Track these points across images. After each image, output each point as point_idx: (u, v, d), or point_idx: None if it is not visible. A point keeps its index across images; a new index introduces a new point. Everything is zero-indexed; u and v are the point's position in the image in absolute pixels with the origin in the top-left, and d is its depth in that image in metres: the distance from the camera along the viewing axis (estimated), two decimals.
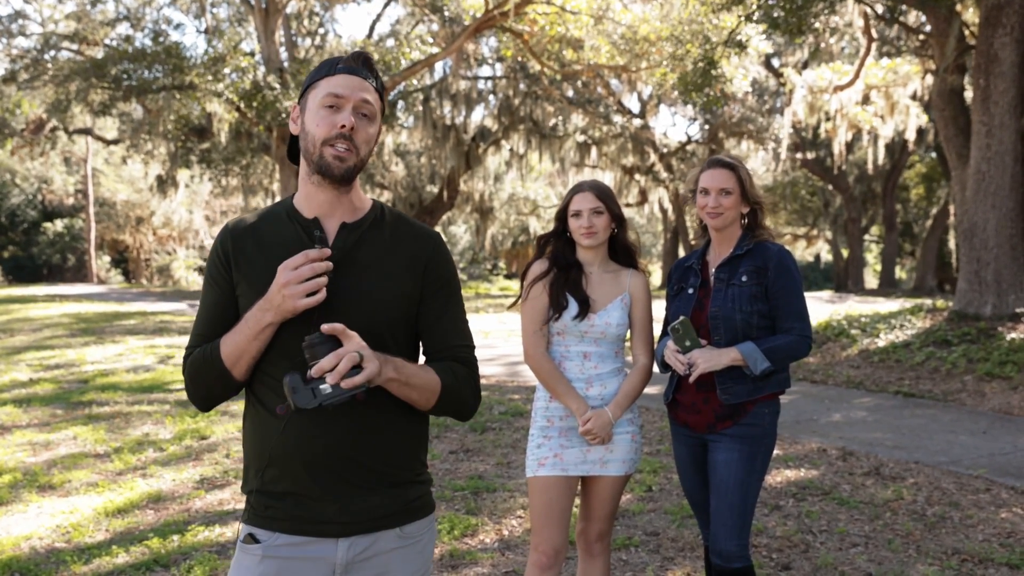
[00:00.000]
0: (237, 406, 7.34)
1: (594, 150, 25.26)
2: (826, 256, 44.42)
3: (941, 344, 9.84)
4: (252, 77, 17.84)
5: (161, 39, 18.33)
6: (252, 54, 19.88)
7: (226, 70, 17.77)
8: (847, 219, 29.59)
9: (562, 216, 3.06)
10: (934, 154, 27.85)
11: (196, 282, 34.65)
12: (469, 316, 1.93)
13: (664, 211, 30.75)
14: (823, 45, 21.50)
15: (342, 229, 1.78)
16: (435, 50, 19.33)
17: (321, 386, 1.56)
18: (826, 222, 33.41)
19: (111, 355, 11.32)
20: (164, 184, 24.84)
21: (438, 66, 23.07)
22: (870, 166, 24.82)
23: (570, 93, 24.03)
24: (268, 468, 1.74)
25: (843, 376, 9.48)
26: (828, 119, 19.16)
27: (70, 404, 7.92)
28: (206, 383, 1.77)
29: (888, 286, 28.22)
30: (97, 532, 4.47)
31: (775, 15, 11.51)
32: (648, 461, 5.71)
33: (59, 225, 35.84)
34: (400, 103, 21.35)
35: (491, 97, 25.01)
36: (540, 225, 33.95)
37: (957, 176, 11.81)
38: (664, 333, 3.06)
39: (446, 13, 19.84)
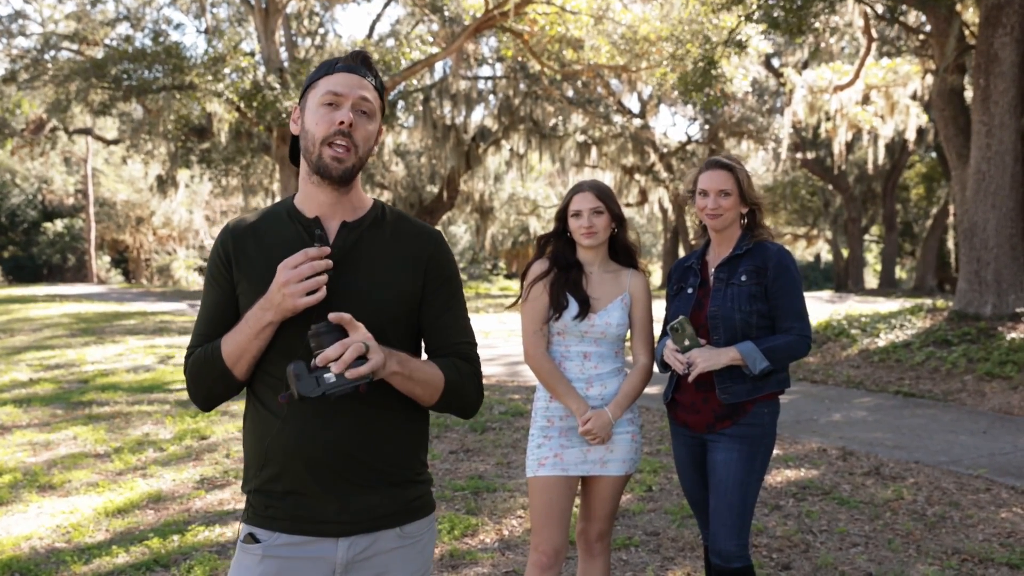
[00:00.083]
0: (237, 406, 7.34)
1: (594, 150, 25.26)
2: (826, 256, 44.43)
3: (941, 344, 9.84)
4: (252, 77, 17.84)
5: (161, 39, 18.33)
6: (252, 54, 19.88)
7: (226, 70, 17.77)
8: (847, 219, 29.59)
9: (562, 216, 3.06)
10: (934, 154, 27.86)
11: (196, 282, 34.65)
12: (469, 316, 1.94)
13: (664, 211, 30.75)
14: (823, 45, 21.50)
15: (342, 228, 1.78)
16: (435, 50, 19.33)
17: (326, 375, 1.55)
18: (826, 222, 33.41)
19: (111, 355, 11.33)
20: (164, 184, 24.84)
21: (438, 66, 23.09)
22: (870, 166, 24.81)
23: (570, 93, 24.03)
24: (268, 466, 1.74)
25: (843, 376, 9.48)
26: (828, 119, 19.15)
27: (70, 404, 7.92)
28: (207, 383, 1.78)
29: (888, 286, 28.22)
30: (97, 532, 4.47)
31: (775, 15, 11.51)
32: (648, 461, 5.71)
33: (59, 225, 35.85)
34: (400, 103, 21.35)
35: (491, 97, 25.02)
36: (540, 225, 33.94)
37: (957, 176, 11.81)
38: (664, 333, 3.06)
39: (446, 13, 19.85)
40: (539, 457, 2.98)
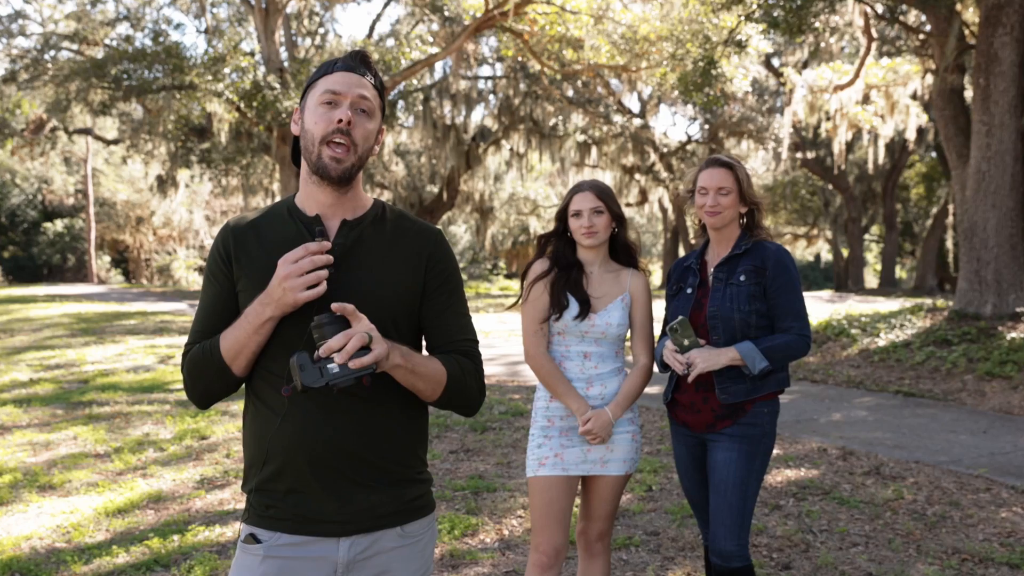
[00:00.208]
0: (237, 406, 7.34)
1: (594, 150, 25.26)
2: (826, 256, 44.42)
3: (941, 344, 9.84)
4: (252, 77, 17.84)
5: (161, 39, 18.32)
6: (252, 54, 19.88)
7: (226, 70, 17.77)
8: (847, 219, 29.59)
9: (562, 216, 3.06)
10: (934, 154, 27.86)
11: (196, 282, 34.64)
12: (470, 314, 1.93)
13: (664, 211, 30.76)
14: (823, 45, 21.50)
15: (343, 226, 1.78)
16: (435, 50, 19.33)
17: (329, 366, 1.55)
18: (826, 222, 33.40)
19: (111, 355, 11.33)
20: (164, 184, 24.86)
21: (438, 66, 23.10)
22: (870, 166, 24.82)
23: (570, 93, 24.03)
24: (268, 463, 1.74)
25: (843, 376, 9.48)
26: (828, 119, 19.13)
27: (70, 404, 7.92)
28: (205, 379, 1.77)
29: (888, 286, 28.22)
30: (97, 532, 4.47)
31: (775, 14, 11.52)
32: (648, 461, 5.71)
33: (59, 225, 35.84)
34: (400, 103, 21.35)
35: (491, 97, 25.03)
36: (540, 225, 33.93)
37: (957, 176, 11.81)
38: (663, 333, 3.06)
39: (446, 13, 19.86)
40: (539, 457, 2.98)
